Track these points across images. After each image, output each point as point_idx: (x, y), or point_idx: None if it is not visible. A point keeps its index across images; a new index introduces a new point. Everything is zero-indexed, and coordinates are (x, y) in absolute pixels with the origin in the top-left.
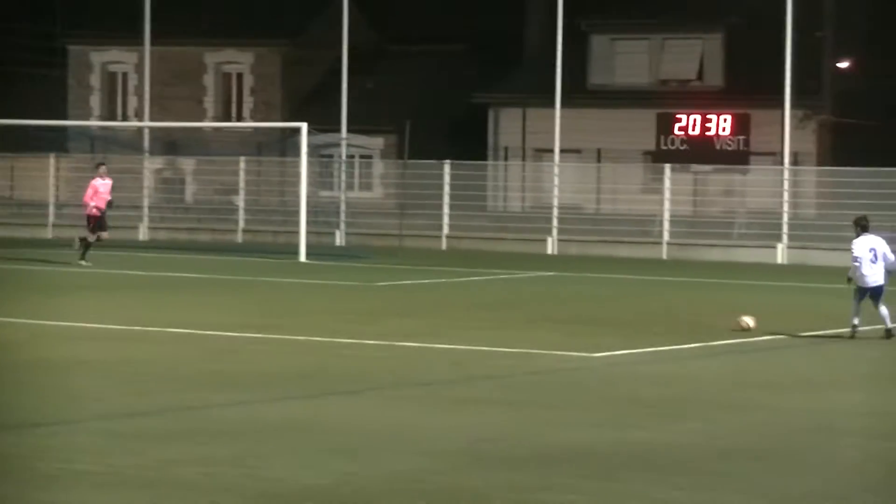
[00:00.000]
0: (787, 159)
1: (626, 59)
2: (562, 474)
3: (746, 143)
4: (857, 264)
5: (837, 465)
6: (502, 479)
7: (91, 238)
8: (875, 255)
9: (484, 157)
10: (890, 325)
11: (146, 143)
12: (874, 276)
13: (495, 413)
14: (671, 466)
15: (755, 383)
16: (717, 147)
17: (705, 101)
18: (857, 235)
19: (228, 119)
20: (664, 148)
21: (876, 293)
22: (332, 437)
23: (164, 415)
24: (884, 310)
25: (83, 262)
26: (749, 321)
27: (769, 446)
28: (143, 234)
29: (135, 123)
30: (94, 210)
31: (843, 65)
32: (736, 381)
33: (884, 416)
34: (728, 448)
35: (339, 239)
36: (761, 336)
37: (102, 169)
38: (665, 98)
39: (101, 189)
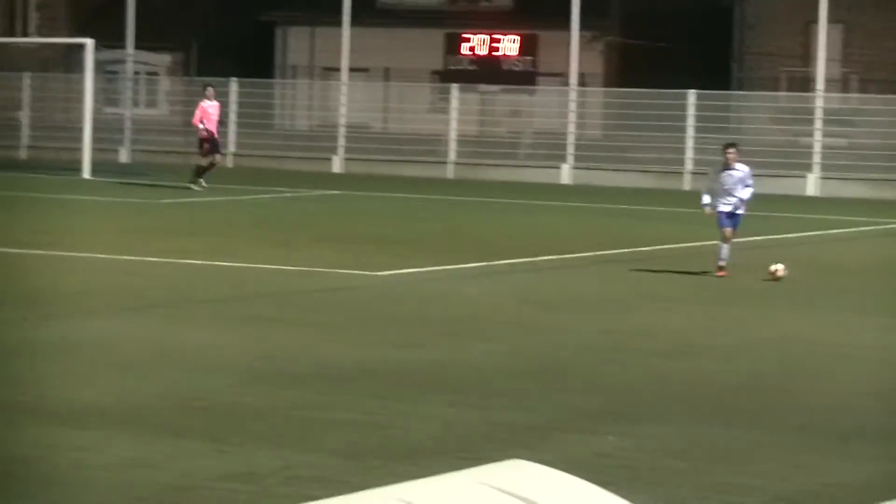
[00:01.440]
0: (573, 80)
1: None
2: (344, 393)
3: (534, 63)
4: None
5: (620, 384)
6: (285, 398)
7: (204, 162)
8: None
9: (271, 76)
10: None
11: None
12: None
13: (278, 331)
14: (454, 385)
15: (539, 303)
16: (505, 67)
17: (493, 22)
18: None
19: (13, 34)
20: (452, 68)
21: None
22: (113, 354)
23: None
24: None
25: (194, 186)
26: (780, 268)
27: (551, 365)
28: None
29: None
30: (205, 133)
31: None
32: (520, 301)
33: (661, 336)
34: (512, 367)
35: (125, 156)
36: (545, 256)
37: (210, 91)
38: (453, 18)
39: (210, 111)
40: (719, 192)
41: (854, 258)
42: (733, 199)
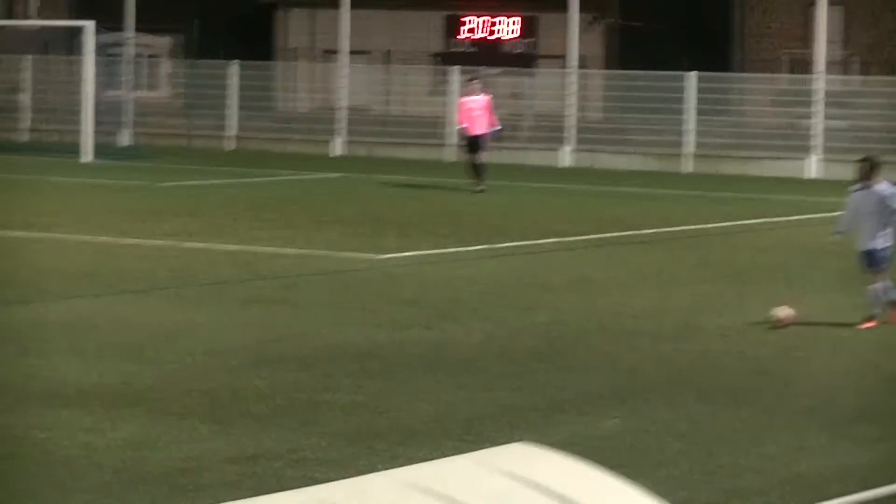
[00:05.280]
0: (574, 62)
1: None
2: (346, 374)
3: (534, 46)
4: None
5: (619, 367)
6: (287, 379)
7: (471, 159)
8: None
9: (272, 58)
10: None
11: None
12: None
13: (280, 313)
14: (455, 367)
15: (540, 285)
16: (505, 50)
17: (493, 4)
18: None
19: (14, 17)
20: (452, 50)
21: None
22: (116, 336)
23: None
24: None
25: (476, 188)
26: (784, 312)
27: (553, 347)
28: None
29: None
30: (466, 130)
31: None
32: (521, 283)
33: (664, 317)
34: (512, 348)
35: (126, 139)
36: (546, 238)
37: (475, 84)
38: (453, 0)
39: (470, 106)
40: (858, 218)
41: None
42: (871, 233)
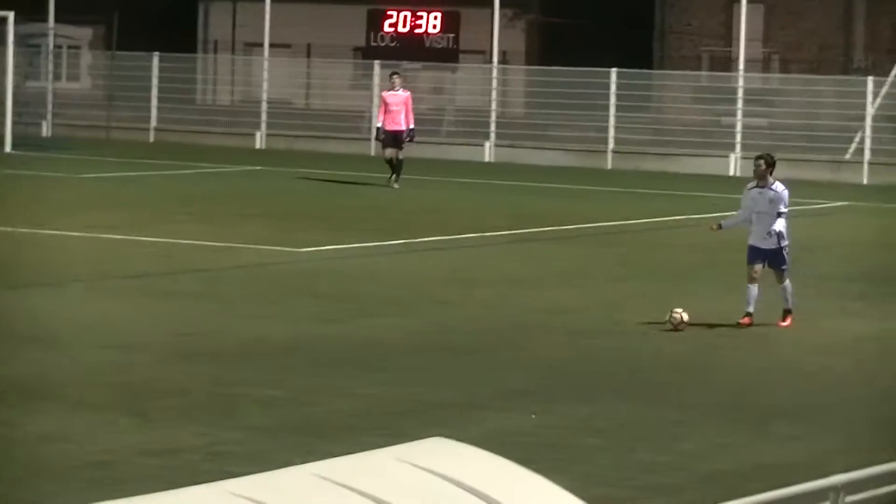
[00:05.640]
0: (495, 58)
1: None
2: (266, 369)
3: (456, 41)
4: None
5: (538, 363)
6: (206, 373)
7: (385, 156)
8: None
9: (194, 50)
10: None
11: None
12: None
13: (200, 307)
14: (374, 362)
15: (460, 280)
16: (427, 45)
17: None
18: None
19: None
20: (374, 45)
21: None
22: (34, 328)
23: None
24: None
25: (392, 184)
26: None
27: (473, 343)
28: None
29: None
30: (384, 125)
31: None
32: (441, 278)
33: (584, 314)
34: (432, 344)
35: (46, 130)
36: (467, 233)
37: (395, 79)
38: None
39: (388, 101)
40: (753, 217)
41: None
42: (765, 231)
